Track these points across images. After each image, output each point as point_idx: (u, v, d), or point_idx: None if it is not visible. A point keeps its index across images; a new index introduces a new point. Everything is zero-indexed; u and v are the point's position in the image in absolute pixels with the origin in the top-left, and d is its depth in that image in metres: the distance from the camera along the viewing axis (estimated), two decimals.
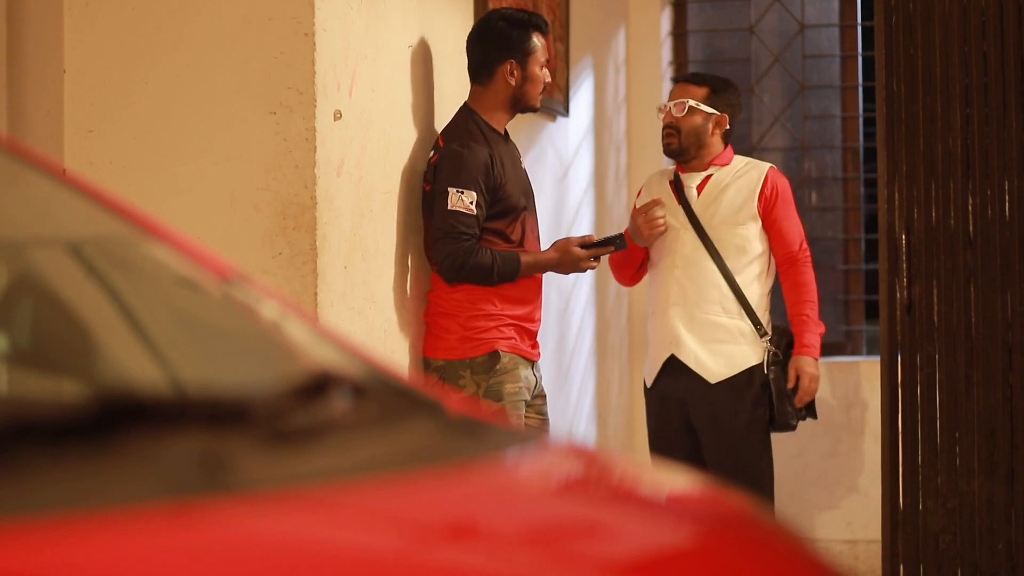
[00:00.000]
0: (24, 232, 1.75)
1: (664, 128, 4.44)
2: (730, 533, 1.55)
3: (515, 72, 3.88)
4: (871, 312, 5.45)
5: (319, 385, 1.52)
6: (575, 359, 5.23)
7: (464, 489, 1.43)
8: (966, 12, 4.29)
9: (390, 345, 3.65)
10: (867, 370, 5.59)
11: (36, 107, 3.36)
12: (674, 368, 4.37)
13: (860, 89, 5.94)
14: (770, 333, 4.35)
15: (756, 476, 4.31)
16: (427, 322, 3.83)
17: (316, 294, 3.24)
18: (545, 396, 3.99)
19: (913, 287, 4.30)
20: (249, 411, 1.41)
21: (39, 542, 1.10)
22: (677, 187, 4.46)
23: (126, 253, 1.76)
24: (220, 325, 1.73)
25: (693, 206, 4.40)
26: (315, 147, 3.25)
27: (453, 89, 4.04)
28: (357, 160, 3.45)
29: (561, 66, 5.04)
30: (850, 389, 5.67)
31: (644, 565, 1.39)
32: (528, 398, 3.86)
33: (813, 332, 4.35)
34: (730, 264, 4.35)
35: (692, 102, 4.40)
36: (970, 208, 4.26)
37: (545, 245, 4.02)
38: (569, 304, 5.16)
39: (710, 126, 4.41)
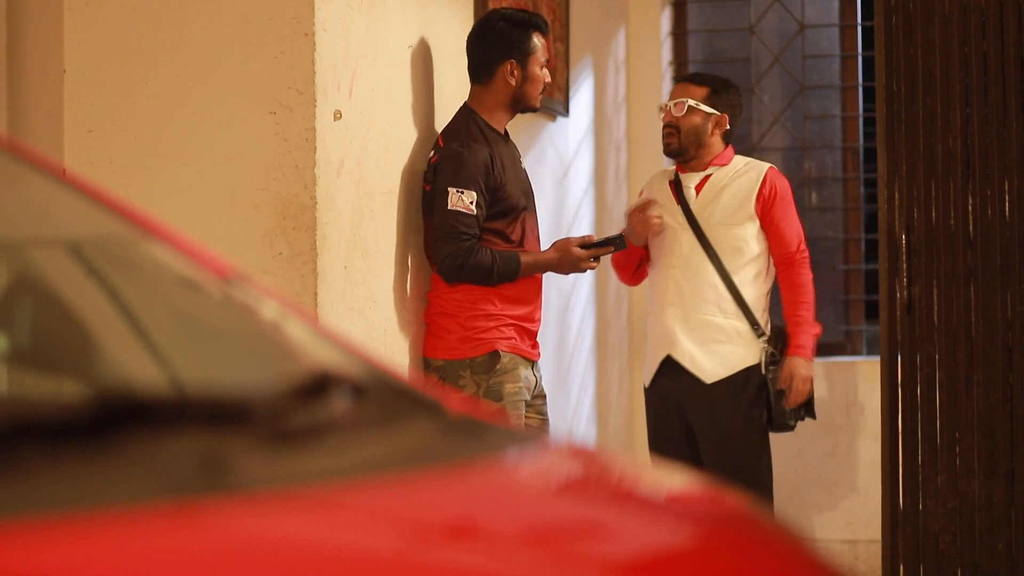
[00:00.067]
0: (24, 232, 1.75)
1: (664, 128, 4.45)
2: (730, 533, 1.55)
3: (515, 72, 3.88)
4: (871, 312, 5.45)
5: (319, 385, 1.52)
6: (575, 359, 5.23)
7: (464, 489, 1.43)
8: (966, 12, 4.29)
9: (390, 345, 3.65)
10: (867, 370, 5.59)
11: (36, 107, 3.36)
12: (671, 368, 4.37)
13: (860, 89, 5.94)
14: (768, 333, 4.35)
15: (755, 476, 4.31)
16: (427, 322, 3.83)
17: (316, 294, 3.24)
18: (545, 396, 3.99)
19: (913, 287, 4.30)
20: (249, 411, 1.41)
21: (39, 542, 1.10)
22: (677, 187, 4.46)
23: (126, 253, 1.76)
24: (220, 325, 1.73)
25: (691, 206, 4.40)
26: (315, 147, 3.25)
27: (453, 89, 4.04)
28: (357, 160, 3.45)
29: (561, 66, 5.04)
30: (850, 389, 5.67)
31: (644, 565, 1.39)
32: (528, 398, 3.86)
33: (807, 333, 4.34)
34: (727, 264, 4.35)
35: (692, 102, 4.40)
36: (970, 208, 4.26)
37: (545, 245, 4.02)
38: (569, 304, 5.16)
39: (710, 126, 4.41)
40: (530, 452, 1.67)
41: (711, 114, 4.40)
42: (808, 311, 4.36)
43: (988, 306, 4.24)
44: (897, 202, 4.33)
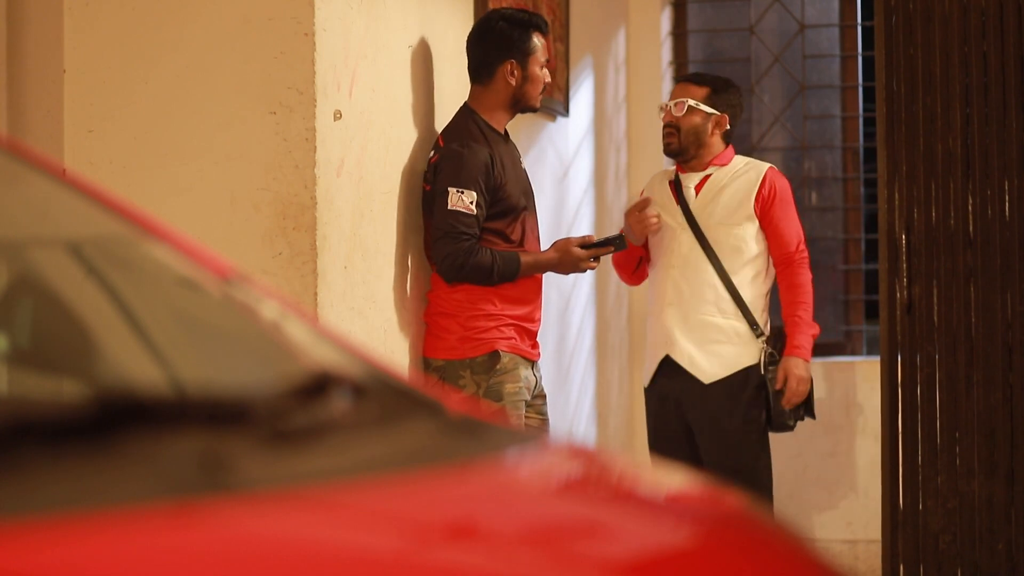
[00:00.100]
0: (24, 232, 1.75)
1: (664, 127, 4.45)
2: (730, 533, 1.55)
3: (515, 72, 3.88)
4: (871, 312, 5.45)
5: (319, 385, 1.52)
6: (575, 359, 5.23)
7: (464, 489, 1.43)
8: (966, 12, 4.29)
9: (390, 345, 3.65)
10: (867, 370, 5.59)
11: (36, 107, 3.36)
12: (670, 368, 4.37)
13: (860, 89, 5.94)
14: (767, 334, 4.34)
15: (754, 476, 4.31)
16: (427, 322, 3.83)
17: (316, 294, 3.24)
18: (545, 396, 3.99)
19: (913, 287, 4.30)
20: (249, 411, 1.41)
21: (39, 542, 1.10)
22: (677, 187, 4.46)
23: (126, 253, 1.76)
24: (220, 325, 1.73)
25: (691, 206, 4.41)
26: (315, 147, 3.25)
27: (453, 89, 4.04)
28: (357, 160, 3.45)
29: (561, 66, 5.04)
30: (850, 389, 5.67)
31: (644, 565, 1.39)
32: (528, 398, 3.86)
33: (805, 334, 4.34)
34: (726, 264, 4.35)
35: (691, 102, 4.40)
36: (970, 208, 4.26)
37: (545, 245, 4.02)
38: (569, 304, 5.16)
39: (709, 126, 4.41)
40: (530, 452, 1.67)
41: (711, 114, 4.40)
42: (806, 312, 4.35)
43: (988, 306, 4.24)
44: (897, 202, 4.33)
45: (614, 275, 4.80)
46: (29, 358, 1.66)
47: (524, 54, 3.90)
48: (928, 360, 4.29)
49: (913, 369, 4.30)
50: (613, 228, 5.39)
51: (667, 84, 5.91)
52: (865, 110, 5.91)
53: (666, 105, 4.47)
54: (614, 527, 1.47)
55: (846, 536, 5.62)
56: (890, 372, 4.34)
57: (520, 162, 3.97)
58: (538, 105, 3.98)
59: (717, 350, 4.33)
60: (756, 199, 4.37)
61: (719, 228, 4.36)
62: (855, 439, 5.64)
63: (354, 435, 1.48)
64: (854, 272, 5.93)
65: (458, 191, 3.72)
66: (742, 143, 5.78)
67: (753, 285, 4.36)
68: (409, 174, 3.79)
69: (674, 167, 4.53)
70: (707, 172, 4.43)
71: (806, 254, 4.40)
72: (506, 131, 3.94)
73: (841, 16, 5.98)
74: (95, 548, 1.11)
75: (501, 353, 3.78)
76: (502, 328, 3.79)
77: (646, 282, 4.59)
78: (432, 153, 3.83)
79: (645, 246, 4.48)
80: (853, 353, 5.87)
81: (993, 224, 4.24)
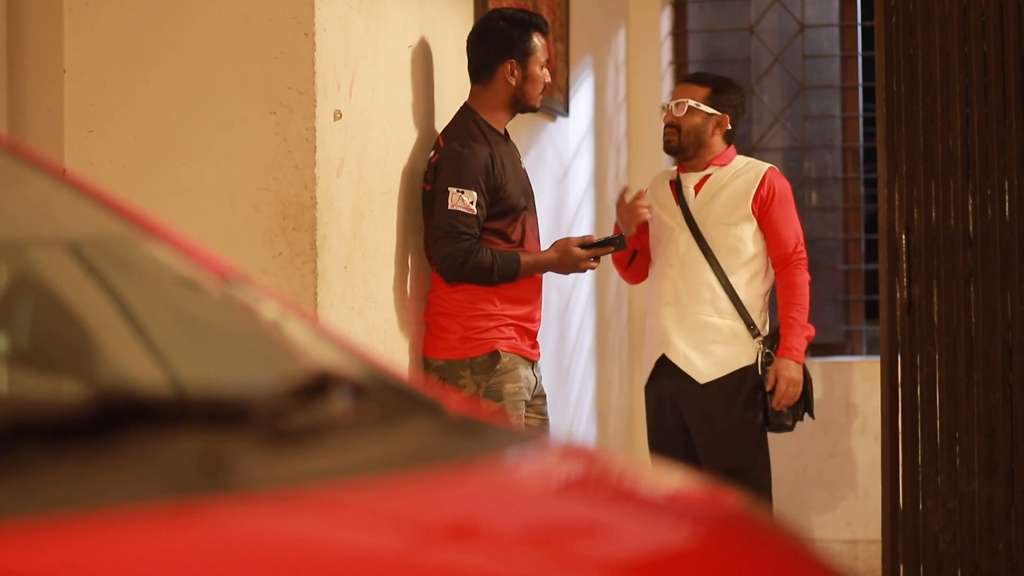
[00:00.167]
0: (24, 232, 1.75)
1: (665, 127, 4.45)
2: (729, 533, 1.55)
3: (515, 72, 3.88)
4: (871, 312, 5.45)
5: (319, 385, 1.52)
6: (575, 359, 5.23)
7: (464, 489, 1.43)
8: (966, 12, 4.29)
9: (390, 345, 3.65)
10: (867, 370, 5.59)
11: (36, 107, 3.36)
12: (667, 368, 4.37)
13: (860, 89, 5.94)
14: (764, 334, 4.34)
15: (752, 476, 4.31)
16: (427, 322, 3.83)
17: (316, 294, 3.24)
18: (545, 396, 3.99)
19: (913, 287, 4.30)
20: (249, 411, 1.41)
21: (39, 542, 1.10)
22: (677, 187, 4.46)
23: (126, 253, 1.76)
24: (220, 325, 1.73)
25: (690, 206, 4.41)
26: (315, 147, 3.25)
27: (453, 89, 4.04)
28: (357, 160, 3.45)
29: (561, 66, 5.04)
30: (850, 389, 5.67)
31: (644, 565, 1.39)
32: (528, 398, 3.86)
33: (798, 335, 4.32)
34: (724, 264, 4.35)
35: (692, 102, 4.40)
36: (970, 208, 4.26)
37: (545, 245, 4.02)
38: (569, 304, 5.16)
39: (710, 126, 4.41)
40: (530, 452, 1.67)
41: (712, 114, 4.40)
42: (800, 313, 4.34)
43: (988, 306, 4.24)
44: (897, 202, 4.33)
45: (614, 275, 4.80)
46: (29, 358, 1.66)
47: (524, 54, 3.90)
48: (928, 360, 4.29)
49: (913, 369, 4.30)
50: (613, 228, 5.39)
51: (667, 84, 5.91)
52: (865, 110, 5.91)
53: (667, 105, 4.47)
54: (614, 527, 1.47)
55: (846, 536, 5.62)
56: (890, 372, 4.34)
57: (520, 162, 3.97)
58: (538, 105, 3.98)
59: (713, 350, 4.32)
60: (754, 199, 4.37)
61: (717, 228, 4.36)
62: (855, 439, 5.64)
63: (354, 435, 1.48)
64: (854, 272, 5.93)
65: (458, 191, 3.72)
66: (742, 143, 5.78)
67: (751, 285, 4.36)
68: (409, 174, 3.79)
69: (676, 167, 4.53)
70: (707, 172, 4.43)
71: (804, 255, 4.40)
72: (506, 131, 3.94)
73: (841, 16, 5.98)
74: (95, 548, 1.11)
75: (501, 353, 3.78)
76: (502, 328, 3.80)
77: (646, 281, 4.59)
78: (432, 153, 3.83)
79: (640, 240, 4.48)
80: (853, 353, 5.87)
81: (993, 224, 4.24)
